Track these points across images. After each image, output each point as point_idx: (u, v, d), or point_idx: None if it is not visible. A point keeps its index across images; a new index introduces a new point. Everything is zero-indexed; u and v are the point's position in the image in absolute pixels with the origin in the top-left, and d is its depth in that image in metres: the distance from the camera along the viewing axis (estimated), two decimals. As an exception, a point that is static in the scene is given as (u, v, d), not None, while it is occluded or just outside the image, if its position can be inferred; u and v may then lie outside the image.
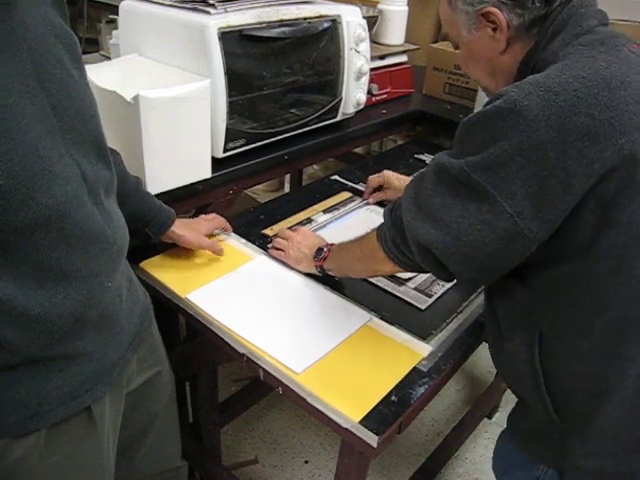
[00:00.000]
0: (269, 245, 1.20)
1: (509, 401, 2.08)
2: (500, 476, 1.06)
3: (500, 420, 2.02)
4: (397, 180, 1.38)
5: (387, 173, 1.40)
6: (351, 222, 1.33)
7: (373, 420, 0.83)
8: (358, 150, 2.57)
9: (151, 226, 1.07)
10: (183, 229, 1.12)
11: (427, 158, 1.71)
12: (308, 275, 1.12)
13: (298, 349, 0.94)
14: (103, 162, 0.77)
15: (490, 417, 2.02)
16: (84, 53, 0.78)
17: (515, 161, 0.71)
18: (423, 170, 0.85)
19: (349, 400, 0.86)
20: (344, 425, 0.84)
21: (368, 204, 1.41)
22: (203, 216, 1.21)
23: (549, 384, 0.84)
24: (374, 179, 1.41)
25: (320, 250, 1.09)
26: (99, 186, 0.74)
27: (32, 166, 0.62)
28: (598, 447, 0.84)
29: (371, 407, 0.85)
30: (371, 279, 1.13)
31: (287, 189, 2.91)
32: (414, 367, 0.93)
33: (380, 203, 1.42)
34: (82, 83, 0.73)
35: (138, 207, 1.04)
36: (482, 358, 2.26)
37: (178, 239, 1.12)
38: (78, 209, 0.69)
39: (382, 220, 0.92)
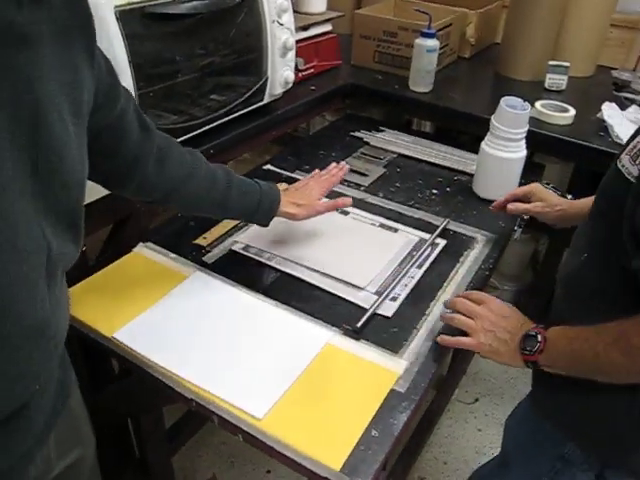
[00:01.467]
0: (439, 336, 0.89)
1: (468, 374, 2.04)
2: (518, 451, 0.97)
3: (460, 397, 1.97)
4: (548, 194, 1.10)
5: (535, 185, 1.12)
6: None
7: (356, 464, 0.71)
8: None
9: (257, 216, 0.98)
10: (292, 206, 1.01)
11: (364, 135, 1.58)
12: (254, 290, 0.98)
13: (255, 388, 0.80)
14: (73, 234, 0.62)
15: (451, 394, 1.96)
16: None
17: None
18: None
19: (324, 443, 0.73)
20: (323, 474, 0.72)
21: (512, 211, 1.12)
22: (307, 178, 1.12)
23: None
24: (520, 189, 1.14)
25: (530, 338, 0.80)
26: (60, 264, 0.59)
27: None
28: None
29: (351, 449, 0.73)
30: (323, 285, 1.00)
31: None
32: (391, 389, 0.81)
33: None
34: (79, 143, 0.60)
35: (238, 203, 0.95)
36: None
37: (291, 218, 1.03)
38: (25, 295, 0.54)
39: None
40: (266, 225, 1.01)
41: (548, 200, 1.09)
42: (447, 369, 1.89)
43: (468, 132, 1.63)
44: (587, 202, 1.01)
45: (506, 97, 1.25)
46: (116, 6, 0.93)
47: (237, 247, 1.09)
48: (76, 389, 0.80)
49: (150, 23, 0.99)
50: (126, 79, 0.97)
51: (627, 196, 0.70)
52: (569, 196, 1.12)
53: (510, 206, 1.12)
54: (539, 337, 0.80)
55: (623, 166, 0.74)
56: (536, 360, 0.80)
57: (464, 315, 0.89)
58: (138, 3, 0.96)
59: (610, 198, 0.78)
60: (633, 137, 0.77)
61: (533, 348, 0.79)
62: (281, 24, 1.26)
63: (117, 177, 0.82)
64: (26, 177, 0.52)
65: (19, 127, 0.50)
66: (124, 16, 0.94)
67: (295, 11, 1.62)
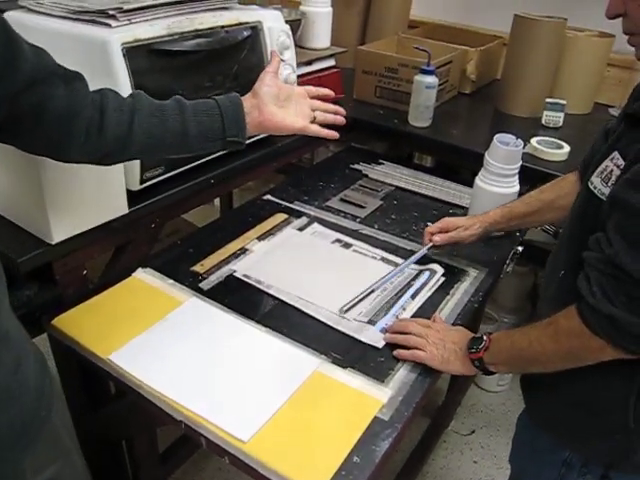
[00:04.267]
0: (386, 335, 0.97)
1: (464, 405, 2.04)
2: (524, 462, 1.02)
3: (456, 428, 1.97)
4: (458, 219, 1.18)
5: (445, 219, 1.19)
6: (291, 250, 1.23)
7: (336, 490, 0.73)
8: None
9: (227, 132, 0.87)
10: (276, 109, 0.94)
11: (363, 168, 1.62)
12: (247, 317, 1.01)
13: (242, 411, 0.82)
14: None
15: (447, 425, 1.96)
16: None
17: None
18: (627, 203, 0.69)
19: (306, 467, 0.76)
20: (303, 499, 0.74)
21: (434, 246, 1.17)
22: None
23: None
24: (433, 227, 1.19)
25: (477, 340, 0.90)
26: None
27: None
28: None
29: (332, 474, 0.75)
30: (318, 315, 1.02)
31: (216, 202, 2.76)
32: (374, 417, 0.83)
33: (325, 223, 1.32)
34: None
35: (197, 124, 0.84)
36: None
37: (281, 124, 0.95)
38: None
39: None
40: (243, 142, 0.91)
41: (463, 223, 1.16)
42: (442, 400, 1.90)
43: (466, 167, 1.67)
44: (499, 212, 1.15)
45: (499, 134, 1.29)
46: (123, 43, 0.98)
47: (234, 274, 1.12)
48: (61, 405, 0.82)
49: (155, 59, 1.04)
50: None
51: (599, 215, 0.75)
52: None
53: (436, 237, 1.17)
54: (484, 337, 0.89)
55: (595, 187, 0.79)
56: (481, 357, 0.88)
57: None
58: (144, 40, 1.02)
59: (584, 219, 0.83)
60: (599, 157, 0.82)
61: (479, 346, 0.88)
62: (283, 60, 1.31)
63: (57, 139, 0.76)
64: None
65: None
66: (131, 52, 0.99)
67: (300, 46, 1.69)
